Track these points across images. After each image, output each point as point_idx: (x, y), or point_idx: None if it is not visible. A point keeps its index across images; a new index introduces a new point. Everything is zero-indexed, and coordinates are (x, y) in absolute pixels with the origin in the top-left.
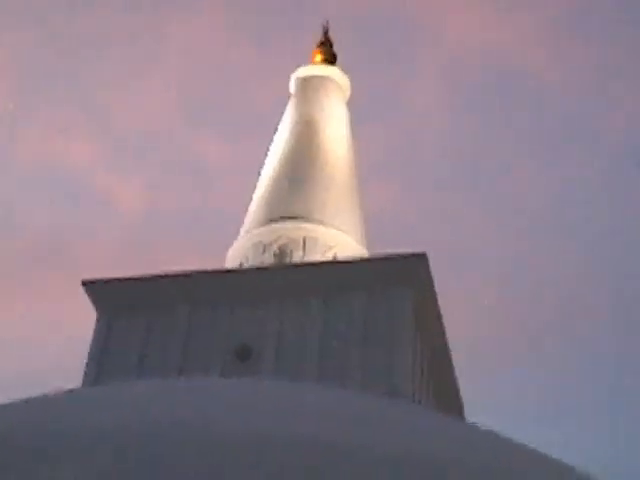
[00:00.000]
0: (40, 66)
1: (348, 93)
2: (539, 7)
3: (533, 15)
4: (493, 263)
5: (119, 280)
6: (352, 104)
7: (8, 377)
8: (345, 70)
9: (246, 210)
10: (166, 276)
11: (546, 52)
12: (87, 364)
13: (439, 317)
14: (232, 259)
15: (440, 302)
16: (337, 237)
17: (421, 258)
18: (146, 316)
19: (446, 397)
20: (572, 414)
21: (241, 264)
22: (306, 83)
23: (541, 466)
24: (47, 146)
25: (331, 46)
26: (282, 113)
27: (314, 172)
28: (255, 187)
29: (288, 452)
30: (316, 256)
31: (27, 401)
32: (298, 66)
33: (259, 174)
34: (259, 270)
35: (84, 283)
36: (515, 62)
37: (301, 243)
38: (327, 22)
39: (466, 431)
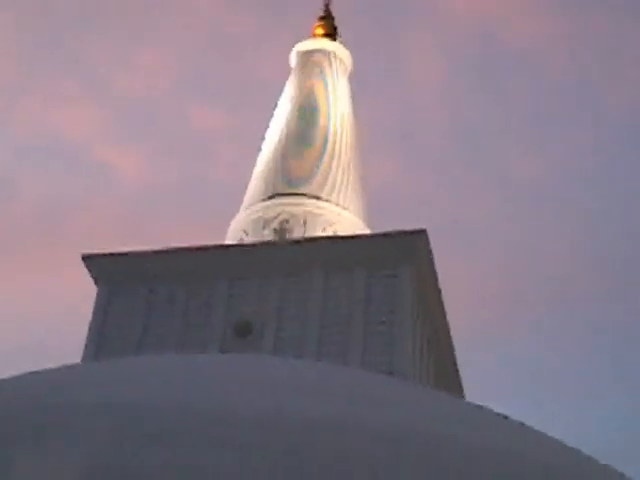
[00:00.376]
0: (39, 36)
1: (350, 67)
2: None
3: None
4: (494, 237)
5: (119, 254)
6: (353, 78)
7: (7, 351)
8: (346, 44)
9: (247, 184)
10: (166, 251)
11: (546, 21)
12: (87, 339)
13: (439, 294)
14: (232, 234)
15: (440, 278)
16: (338, 213)
17: (421, 235)
18: (146, 291)
19: (446, 375)
20: (571, 388)
21: (241, 239)
22: (307, 57)
23: (539, 445)
24: (46, 116)
25: (332, 19)
26: (283, 85)
27: (315, 147)
28: (256, 161)
29: (286, 430)
30: (317, 232)
31: (26, 376)
32: (299, 39)
33: (260, 149)
34: (259, 246)
35: (84, 257)
36: (515, 33)
37: (302, 219)
38: None
39: (465, 409)
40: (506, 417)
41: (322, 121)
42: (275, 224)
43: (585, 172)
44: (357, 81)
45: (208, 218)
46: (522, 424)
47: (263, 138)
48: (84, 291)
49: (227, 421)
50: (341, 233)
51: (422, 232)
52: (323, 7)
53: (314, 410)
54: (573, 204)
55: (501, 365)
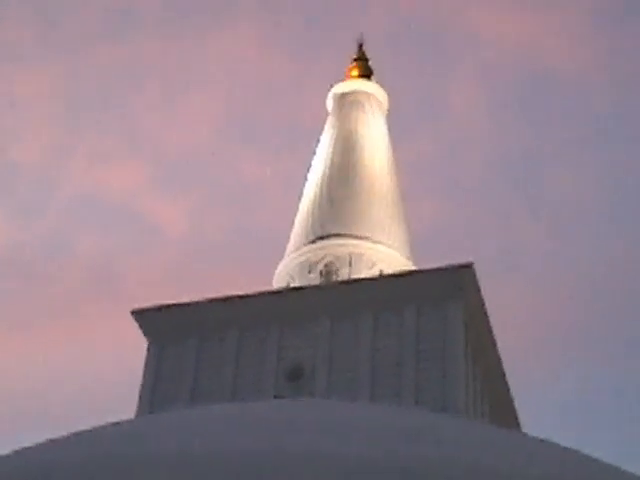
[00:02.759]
0: (83, 95)
1: (386, 107)
2: (571, 5)
3: (565, 13)
4: (541, 267)
5: (168, 307)
6: (390, 117)
7: (60, 407)
8: (381, 83)
9: (291, 229)
10: (214, 300)
11: (582, 49)
12: (141, 391)
13: (489, 326)
14: (279, 279)
15: (489, 309)
16: (382, 252)
17: (468, 269)
18: (196, 341)
19: (501, 409)
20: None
21: (288, 284)
22: (344, 99)
23: (609, 477)
24: (92, 173)
25: (366, 61)
26: (322, 129)
27: (357, 188)
28: (298, 206)
29: (347, 472)
30: (362, 272)
31: (85, 433)
32: (334, 82)
33: (301, 193)
34: (307, 289)
35: (134, 312)
36: (550, 60)
37: (347, 260)
38: (362, 36)
39: (525, 443)
40: (569, 449)
41: (362, 162)
42: (320, 267)
43: (635, 194)
44: (395, 118)
45: (254, 265)
46: (588, 457)
47: (304, 183)
48: (135, 344)
49: (292, 469)
50: (386, 271)
51: (469, 266)
52: (357, 48)
53: (377, 452)
54: (622, 227)
55: (557, 396)
